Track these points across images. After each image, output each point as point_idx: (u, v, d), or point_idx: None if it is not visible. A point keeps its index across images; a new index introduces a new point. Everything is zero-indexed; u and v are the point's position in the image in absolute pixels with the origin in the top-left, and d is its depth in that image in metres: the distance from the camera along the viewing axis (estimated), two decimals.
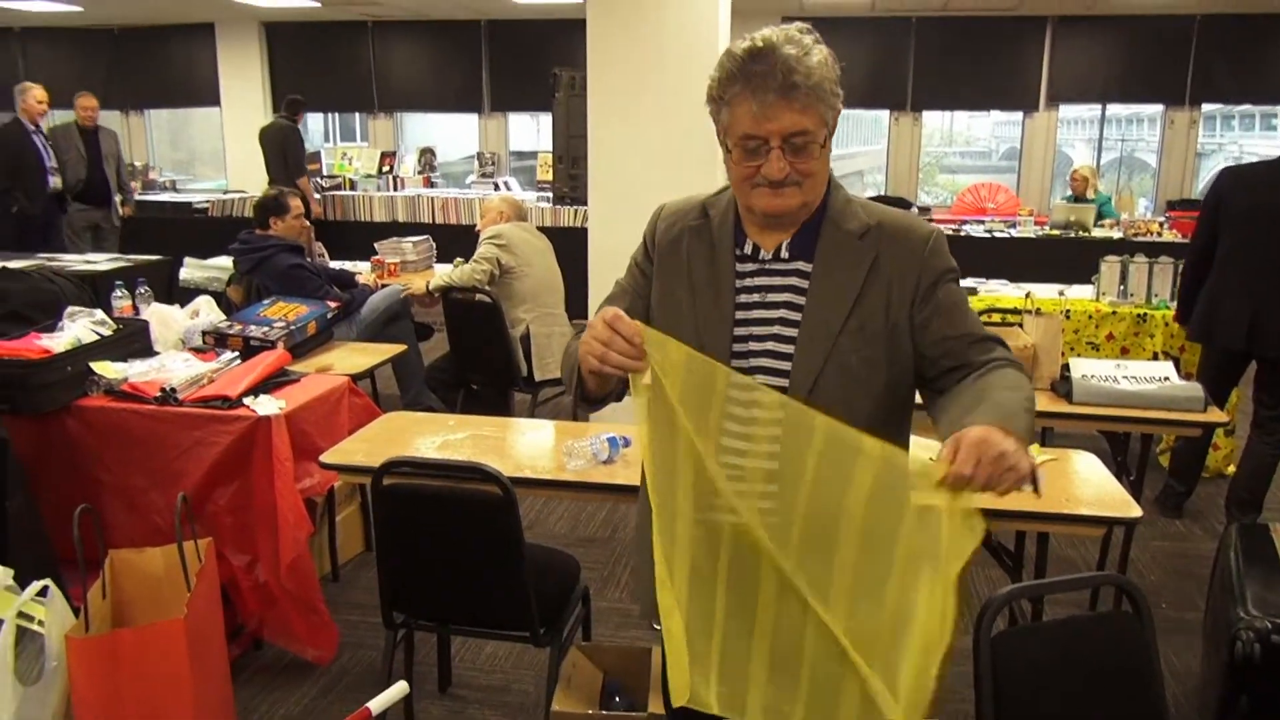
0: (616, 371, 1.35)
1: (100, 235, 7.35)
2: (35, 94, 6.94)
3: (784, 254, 1.49)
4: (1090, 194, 7.68)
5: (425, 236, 5.86)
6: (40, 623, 2.16)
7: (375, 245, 5.70)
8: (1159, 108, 9.00)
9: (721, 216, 1.54)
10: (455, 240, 6.71)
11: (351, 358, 3.78)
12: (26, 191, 6.86)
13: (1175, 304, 4.14)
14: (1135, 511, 2.31)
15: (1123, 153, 10.64)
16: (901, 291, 1.47)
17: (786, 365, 1.46)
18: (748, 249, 1.50)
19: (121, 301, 3.87)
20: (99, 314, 3.25)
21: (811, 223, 1.49)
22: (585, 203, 5.25)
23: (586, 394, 1.48)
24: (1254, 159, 3.84)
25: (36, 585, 2.19)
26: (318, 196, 8.35)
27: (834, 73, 1.40)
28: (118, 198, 7.42)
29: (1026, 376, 1.45)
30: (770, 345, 1.47)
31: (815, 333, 1.45)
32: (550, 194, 8.02)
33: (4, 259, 4.74)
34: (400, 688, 1.54)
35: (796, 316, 1.47)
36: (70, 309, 3.24)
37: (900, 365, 1.48)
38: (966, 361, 1.47)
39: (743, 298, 1.49)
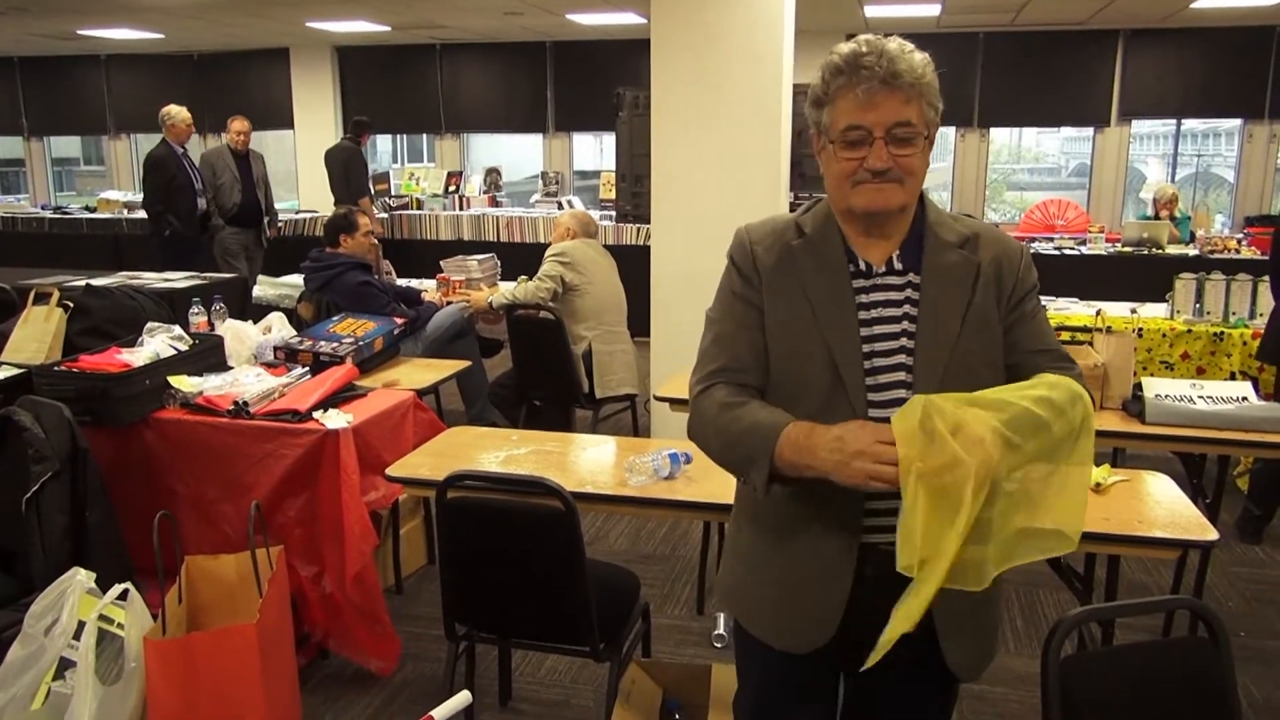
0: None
1: (250, 256, 7.44)
2: (183, 117, 7.04)
3: (896, 265, 1.49)
4: (1176, 214, 7.53)
5: (490, 254, 5.94)
6: (120, 625, 2.24)
7: (441, 263, 5.79)
8: (1236, 122, 8.75)
9: (822, 232, 1.51)
10: (520, 258, 6.79)
11: (417, 373, 3.85)
12: (179, 214, 6.98)
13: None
14: (1211, 534, 2.24)
15: (1198, 168, 10.35)
16: (1001, 297, 1.50)
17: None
18: (861, 264, 1.49)
19: (198, 317, 3.99)
20: (176, 329, 3.36)
21: (913, 234, 1.50)
22: (648, 221, 5.28)
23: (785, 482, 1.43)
24: None
25: (117, 589, 2.27)
26: (384, 216, 8.52)
27: (935, 76, 1.44)
28: (266, 219, 7.52)
29: (1085, 390, 1.44)
30: (900, 359, 1.47)
31: (935, 341, 1.46)
32: (613, 212, 8.09)
33: (89, 276, 4.92)
34: (463, 697, 1.55)
35: (914, 328, 1.47)
36: (150, 324, 3.35)
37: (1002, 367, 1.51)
38: (1037, 371, 1.48)
39: (863, 314, 1.48)
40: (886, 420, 1.41)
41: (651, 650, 2.76)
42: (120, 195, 9.88)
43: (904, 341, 1.47)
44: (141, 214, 9.31)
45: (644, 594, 2.58)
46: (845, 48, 1.41)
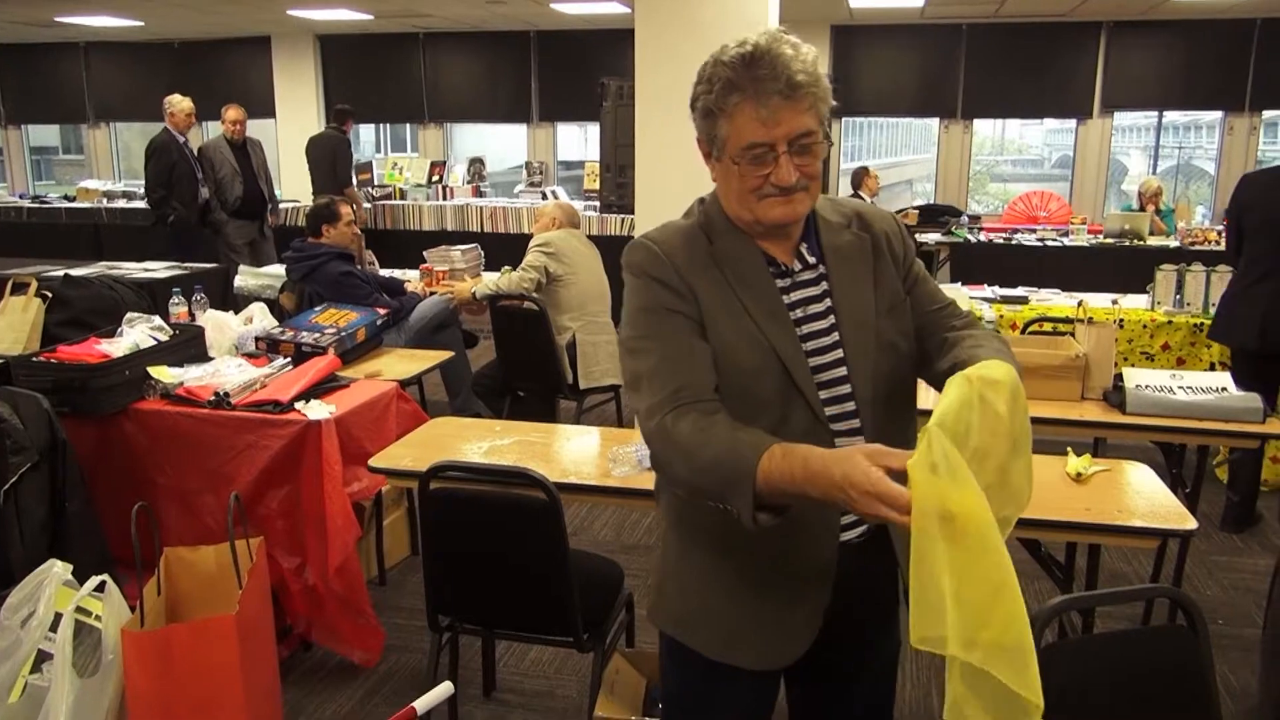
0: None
1: (256, 248, 7.29)
2: (184, 106, 6.93)
3: (808, 259, 1.48)
4: (1161, 207, 7.58)
5: (474, 245, 5.92)
6: (97, 617, 2.22)
7: (424, 253, 5.77)
8: (1218, 114, 8.81)
9: (731, 237, 1.45)
10: (503, 248, 6.77)
11: (400, 364, 3.83)
12: (182, 202, 6.88)
13: None
14: (1190, 523, 2.26)
15: (1179, 160, 10.42)
16: (897, 268, 1.52)
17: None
18: (781, 266, 1.46)
19: (178, 308, 3.96)
20: (156, 320, 3.33)
21: (807, 225, 1.49)
22: (632, 211, 5.27)
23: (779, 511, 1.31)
24: None
25: (94, 580, 2.25)
26: (367, 206, 8.46)
27: (824, 69, 1.40)
28: (268, 208, 7.38)
29: (1012, 361, 1.40)
30: (837, 354, 1.45)
31: (856, 325, 1.45)
32: (597, 203, 8.07)
33: (68, 266, 4.87)
34: (445, 688, 1.55)
35: (837, 320, 1.47)
36: (129, 315, 3.32)
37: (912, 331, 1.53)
38: (944, 328, 1.51)
39: (795, 313, 1.45)
40: (843, 430, 1.42)
41: (635, 640, 2.76)
42: (100, 184, 9.79)
43: (833, 336, 1.45)
44: (122, 203, 9.30)
45: (628, 584, 2.59)
46: (731, 55, 1.35)
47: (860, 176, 8.10)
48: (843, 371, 1.44)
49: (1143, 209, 7.58)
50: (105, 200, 9.35)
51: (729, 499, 1.29)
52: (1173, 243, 7.12)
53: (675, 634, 1.60)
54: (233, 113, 7.17)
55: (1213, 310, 4.46)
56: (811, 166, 1.38)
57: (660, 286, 1.42)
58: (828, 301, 1.47)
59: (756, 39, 1.35)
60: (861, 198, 7.46)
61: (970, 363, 1.30)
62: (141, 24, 9.36)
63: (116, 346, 3.10)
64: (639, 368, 1.42)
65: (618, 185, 7.65)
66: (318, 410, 2.96)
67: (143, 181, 7.31)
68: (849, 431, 1.44)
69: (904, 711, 2.82)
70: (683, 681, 1.65)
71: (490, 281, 4.67)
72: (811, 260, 1.48)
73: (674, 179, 4.52)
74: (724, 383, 1.40)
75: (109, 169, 11.06)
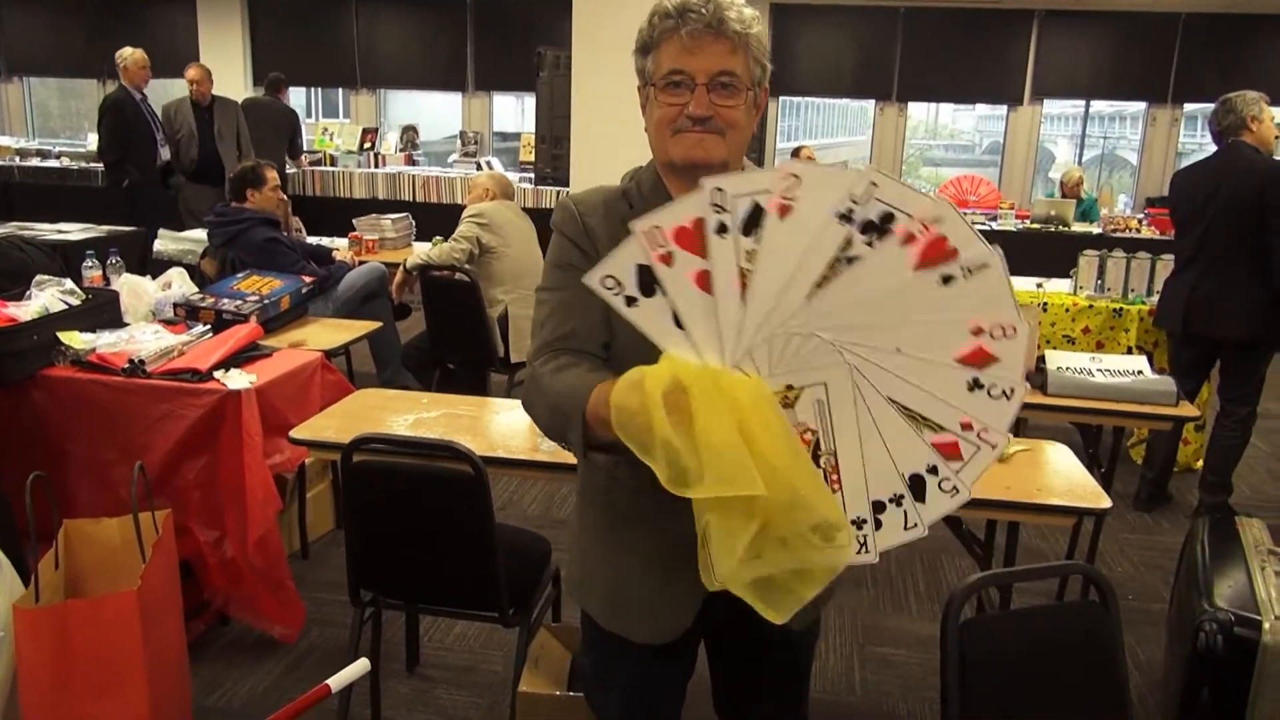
0: None
1: None
2: (136, 59, 6.53)
3: None
4: (1082, 195, 7.76)
5: (405, 214, 5.82)
6: None
7: (354, 221, 5.64)
8: (1142, 105, 9.04)
9: (650, 201, 1.40)
10: (436, 219, 6.65)
11: (326, 334, 3.74)
12: (139, 164, 6.53)
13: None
14: (1105, 503, 2.32)
15: (1104, 150, 10.68)
16: None
17: None
18: None
19: (92, 271, 3.82)
20: (68, 283, 3.20)
21: None
22: (567, 184, 5.22)
23: (608, 450, 1.31)
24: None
25: None
26: (294, 172, 8.23)
27: (765, 38, 1.40)
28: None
29: None
30: None
31: None
32: (533, 174, 7.97)
33: None
34: (361, 665, 1.52)
35: None
36: (39, 277, 3.19)
37: None
38: None
39: None
40: None
41: (562, 615, 2.75)
42: (12, 141, 9.37)
43: None
44: (35, 161, 8.90)
45: (555, 559, 2.57)
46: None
47: (796, 156, 8.15)
48: None
49: (1065, 197, 7.75)
50: (18, 159, 8.95)
51: (567, 435, 1.33)
52: (1095, 230, 7.30)
53: (575, 598, 1.64)
54: (191, 72, 6.76)
55: (1132, 295, 4.60)
56: (731, 112, 1.37)
57: (569, 243, 1.45)
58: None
59: None
60: None
61: None
62: None
63: (24, 310, 2.97)
64: (538, 317, 1.47)
65: (553, 157, 7.57)
66: (238, 380, 2.87)
67: (59, 141, 6.98)
68: None
69: (826, 684, 2.86)
70: (587, 646, 1.68)
71: (421, 252, 4.59)
72: None
73: (609, 151, 4.48)
74: (617, 344, 1.40)
75: (21, 125, 10.58)
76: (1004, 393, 1.25)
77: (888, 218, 1.16)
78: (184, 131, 6.75)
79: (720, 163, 1.39)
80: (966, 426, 1.25)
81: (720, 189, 1.15)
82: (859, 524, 1.27)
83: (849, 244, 1.17)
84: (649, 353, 1.23)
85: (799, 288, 1.18)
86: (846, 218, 1.16)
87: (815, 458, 1.25)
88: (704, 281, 1.18)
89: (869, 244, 1.16)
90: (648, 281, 1.18)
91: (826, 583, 1.22)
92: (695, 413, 1.14)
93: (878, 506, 1.27)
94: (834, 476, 1.25)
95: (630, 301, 1.19)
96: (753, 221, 1.16)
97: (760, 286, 1.18)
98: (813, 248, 1.17)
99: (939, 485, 1.27)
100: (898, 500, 1.26)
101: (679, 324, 1.20)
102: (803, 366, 1.22)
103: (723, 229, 1.16)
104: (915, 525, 1.28)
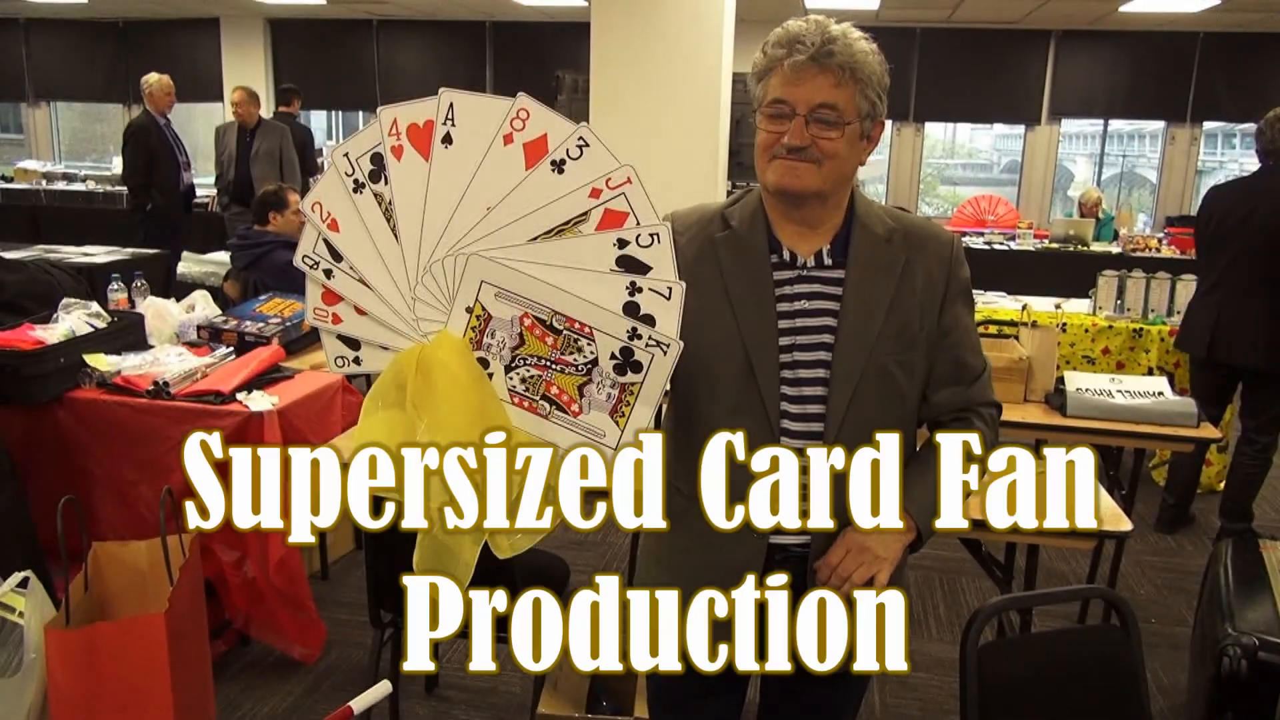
0: None
1: None
2: (162, 85, 6.56)
3: (826, 260, 1.45)
4: (1100, 215, 7.74)
5: None
6: (20, 614, 2.15)
7: None
8: (1160, 124, 9.01)
9: (749, 223, 1.47)
10: None
11: None
12: (162, 188, 6.55)
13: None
14: (1125, 525, 2.31)
15: (1123, 168, 10.65)
16: (930, 297, 1.47)
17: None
18: (785, 256, 1.46)
19: (118, 294, 3.86)
20: (94, 306, 3.24)
21: (844, 228, 1.47)
22: None
23: None
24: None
25: (16, 576, 2.18)
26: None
27: (880, 69, 1.41)
28: None
29: (992, 429, 1.52)
30: (821, 355, 1.43)
31: (854, 337, 1.42)
32: None
33: (3, 249, 4.74)
34: (383, 687, 1.53)
35: (836, 324, 1.44)
36: (65, 300, 3.23)
37: (925, 369, 1.49)
38: (956, 382, 1.51)
39: (783, 306, 1.44)
40: (798, 432, 1.43)
41: None
42: (39, 165, 9.53)
43: (825, 338, 1.43)
44: (61, 185, 9.04)
45: (573, 581, 2.58)
46: (792, 23, 1.40)
47: None
48: (822, 374, 1.43)
49: (1083, 217, 7.73)
50: (44, 182, 9.09)
51: None
52: (1115, 249, 7.28)
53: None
54: (234, 95, 6.78)
55: (1152, 316, 4.57)
56: (830, 144, 1.38)
57: None
58: (830, 303, 1.44)
59: (819, 17, 1.41)
60: None
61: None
62: (85, 1, 9.11)
63: (51, 333, 3.01)
64: None
65: None
66: (260, 401, 2.90)
67: (85, 164, 7.08)
68: (804, 434, 1.43)
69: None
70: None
71: None
72: (829, 261, 1.45)
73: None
74: (687, 355, 1.39)
75: (49, 149, 10.76)
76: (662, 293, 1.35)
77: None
78: (226, 154, 6.82)
79: (814, 191, 1.41)
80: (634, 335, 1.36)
81: (346, 155, 1.40)
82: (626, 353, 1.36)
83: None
84: (712, 359, 1.42)
85: (466, 213, 1.37)
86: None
87: (558, 329, 1.37)
88: (360, 233, 1.39)
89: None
90: (334, 251, 1.40)
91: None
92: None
93: (625, 352, 1.36)
94: (580, 325, 1.36)
95: (329, 274, 1.40)
96: (377, 172, 1.39)
97: (406, 222, 1.37)
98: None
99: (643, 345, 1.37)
100: (634, 334, 1.36)
101: (366, 285, 1.39)
102: (468, 282, 1.37)
103: (358, 187, 1.38)
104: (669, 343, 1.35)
